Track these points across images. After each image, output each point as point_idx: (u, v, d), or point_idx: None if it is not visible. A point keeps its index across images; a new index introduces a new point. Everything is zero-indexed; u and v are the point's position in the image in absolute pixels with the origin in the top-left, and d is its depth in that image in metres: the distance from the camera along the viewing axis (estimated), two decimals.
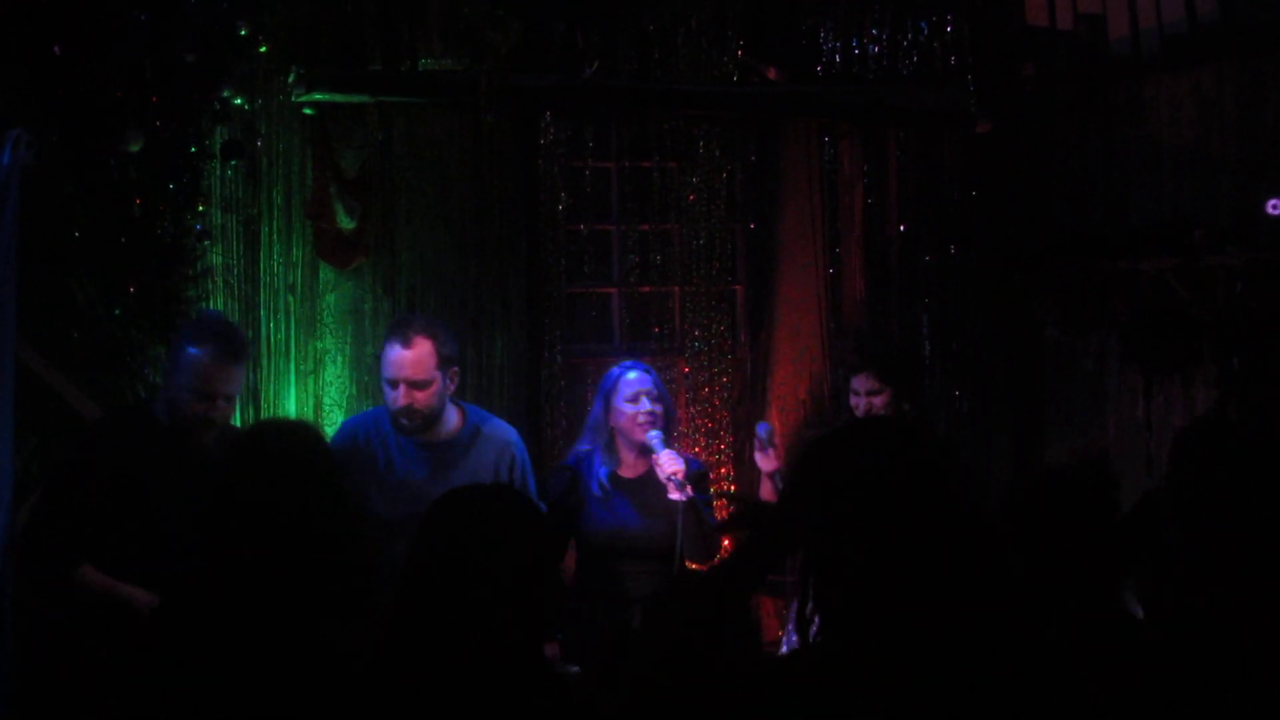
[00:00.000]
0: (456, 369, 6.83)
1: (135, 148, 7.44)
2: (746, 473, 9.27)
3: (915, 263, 9.58)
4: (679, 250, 9.23)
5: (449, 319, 8.56)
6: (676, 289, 9.26)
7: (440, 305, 8.67)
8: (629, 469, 7.07)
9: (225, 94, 7.96)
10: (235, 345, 6.26)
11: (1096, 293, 9.08)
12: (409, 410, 6.66)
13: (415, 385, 6.63)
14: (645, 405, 6.96)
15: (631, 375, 7.07)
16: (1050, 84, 9.61)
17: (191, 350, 6.09)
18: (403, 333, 6.69)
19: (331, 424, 8.37)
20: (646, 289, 9.25)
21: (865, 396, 7.31)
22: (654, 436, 6.90)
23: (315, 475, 3.99)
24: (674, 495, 6.78)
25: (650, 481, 7.02)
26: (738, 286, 9.52)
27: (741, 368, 9.42)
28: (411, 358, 6.64)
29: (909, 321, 9.52)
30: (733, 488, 9.13)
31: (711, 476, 8.07)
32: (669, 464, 6.78)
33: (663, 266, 9.24)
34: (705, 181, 9.22)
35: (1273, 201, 7.99)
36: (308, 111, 8.37)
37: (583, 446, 7.22)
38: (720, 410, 9.20)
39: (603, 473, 7.02)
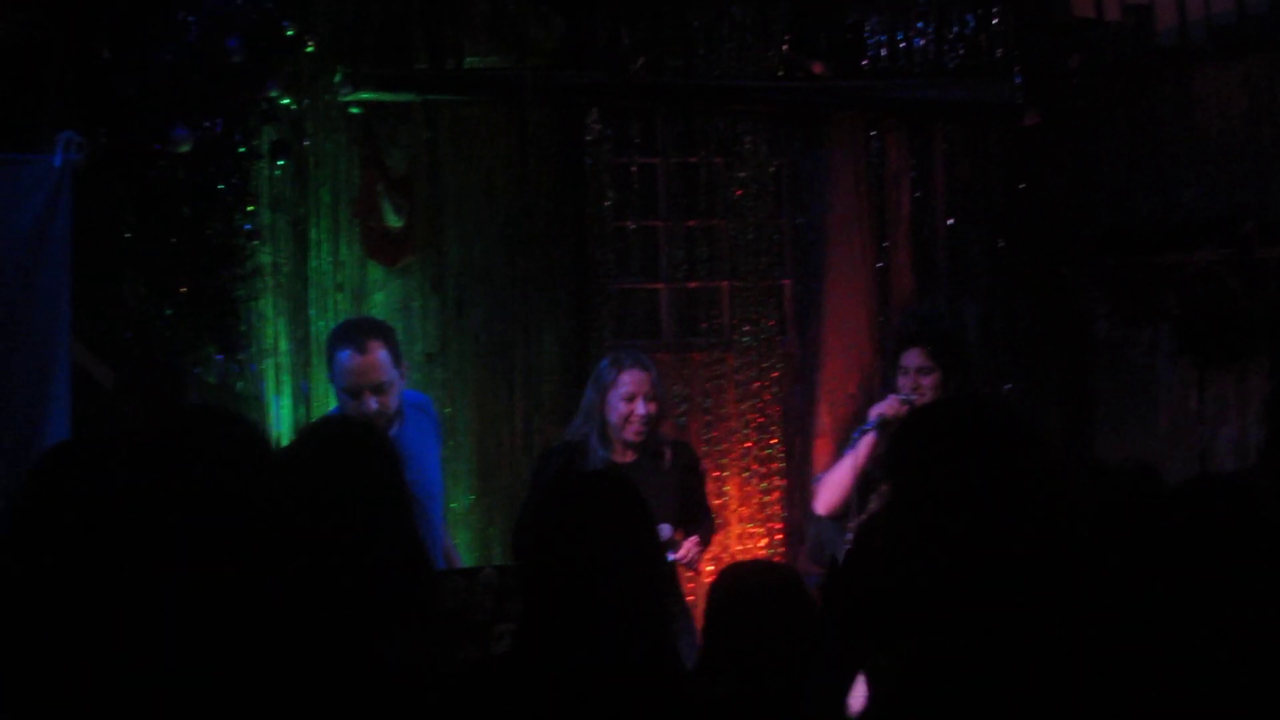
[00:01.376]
0: (407, 364, 6.72)
1: (184, 148, 7.47)
2: (796, 466, 9.25)
3: (963, 257, 9.55)
4: (727, 245, 9.21)
5: (497, 316, 8.60)
6: (725, 284, 9.24)
7: (488, 302, 8.68)
8: (620, 455, 7.02)
9: (272, 94, 7.98)
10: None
11: (1147, 286, 9.05)
12: (377, 415, 6.35)
13: (378, 389, 6.40)
14: (640, 408, 6.89)
15: (631, 374, 6.96)
16: (1098, 76, 9.57)
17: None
18: (356, 339, 6.43)
19: None
20: (694, 284, 9.23)
21: (914, 374, 7.12)
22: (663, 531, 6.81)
23: (375, 475, 3.98)
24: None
25: (644, 466, 6.96)
26: (786, 281, 9.50)
27: (790, 362, 9.39)
28: (369, 363, 6.39)
29: (957, 315, 9.48)
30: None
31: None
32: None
33: (710, 262, 9.22)
34: (752, 176, 9.20)
35: None
36: (354, 110, 8.39)
37: (576, 431, 7.13)
38: (770, 405, 9.17)
39: (600, 456, 6.97)
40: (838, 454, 7.69)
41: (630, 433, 6.88)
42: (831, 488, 7.06)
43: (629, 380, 6.90)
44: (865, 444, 6.98)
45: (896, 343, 7.21)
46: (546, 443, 8.32)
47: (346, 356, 6.35)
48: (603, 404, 6.93)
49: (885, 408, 6.95)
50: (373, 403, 6.34)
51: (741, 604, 4.04)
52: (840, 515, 7.12)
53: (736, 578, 4.25)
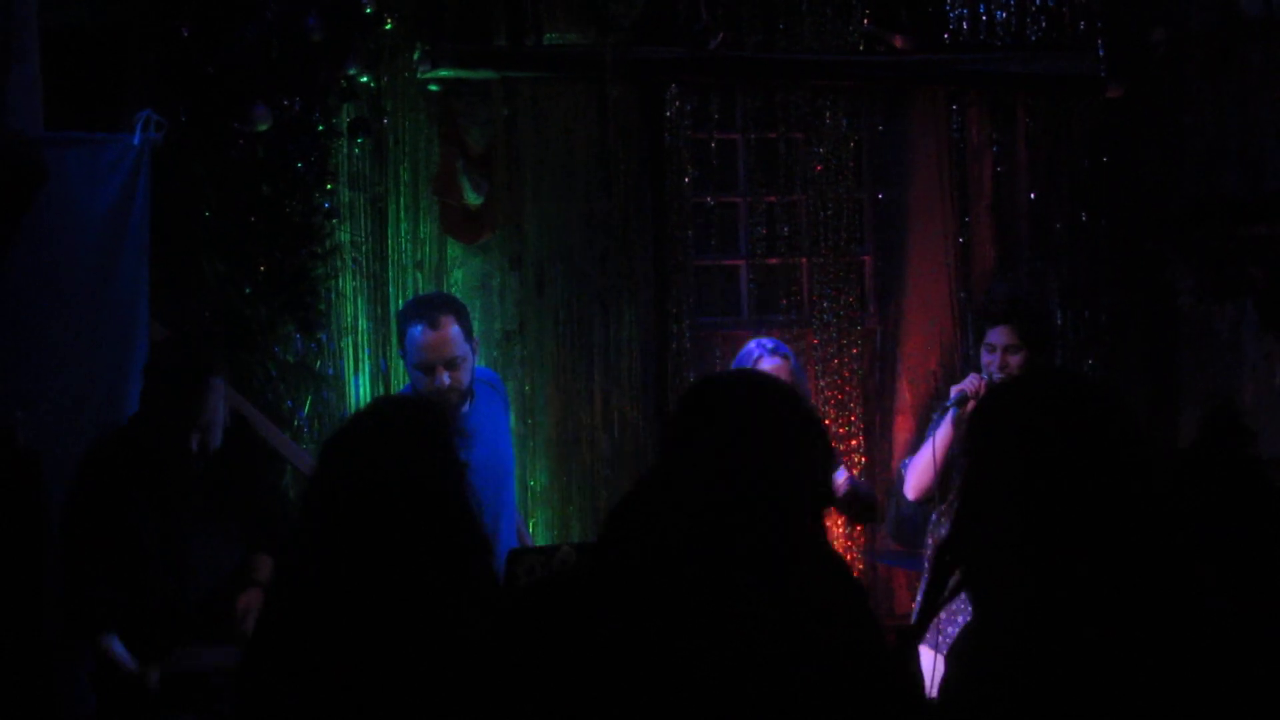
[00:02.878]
0: (477, 340, 6.66)
1: (263, 127, 7.49)
2: (876, 443, 9.22)
3: (1046, 231, 9.49)
4: (806, 221, 9.17)
5: (576, 293, 8.59)
6: (804, 260, 9.20)
7: (567, 279, 8.68)
8: None
9: (351, 72, 7.99)
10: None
11: (1232, 259, 8.96)
12: (450, 391, 6.35)
13: (450, 365, 6.35)
14: None
15: (769, 362, 6.92)
16: (1182, 47, 9.47)
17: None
18: (428, 314, 6.38)
19: None
20: (774, 260, 9.20)
21: (1001, 353, 6.97)
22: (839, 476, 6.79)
23: (438, 452, 3.97)
24: None
25: None
26: (866, 257, 9.46)
27: (871, 339, 9.36)
28: (442, 338, 6.34)
29: (1040, 290, 9.42)
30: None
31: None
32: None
33: (790, 238, 9.19)
34: (832, 152, 9.16)
35: None
36: (433, 88, 8.40)
37: None
38: (850, 382, 9.13)
39: None
40: (918, 432, 7.62)
41: None
42: (918, 472, 6.96)
43: (768, 370, 6.85)
44: (946, 423, 6.90)
45: (981, 320, 7.10)
46: (625, 420, 8.33)
47: (419, 332, 6.30)
48: None
49: (967, 385, 6.86)
50: (445, 378, 6.29)
51: None
52: (929, 498, 7.04)
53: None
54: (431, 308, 6.43)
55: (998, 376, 6.79)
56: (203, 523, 5.75)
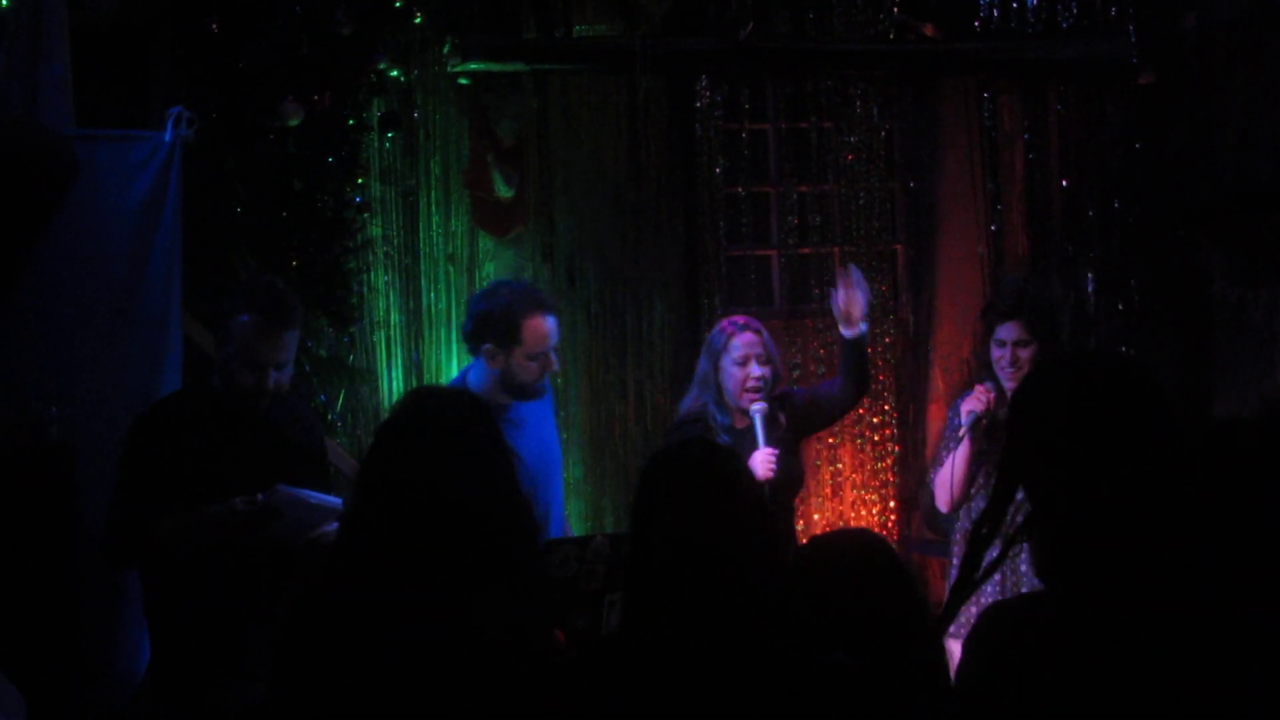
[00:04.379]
0: None
1: (294, 122, 7.51)
2: (910, 432, 9.23)
3: (1079, 218, 9.47)
4: (838, 211, 9.18)
5: (608, 285, 8.60)
6: (836, 250, 9.19)
7: (599, 271, 8.69)
8: (739, 421, 6.94)
9: (381, 66, 8.00)
10: (282, 312, 5.78)
11: (1266, 245, 8.92)
12: (551, 375, 6.66)
13: (555, 350, 6.60)
14: (755, 370, 6.80)
15: (743, 337, 6.91)
16: (1213, 33, 9.43)
17: (240, 317, 5.69)
18: (546, 302, 6.59)
19: None
20: (806, 250, 9.20)
21: (1011, 348, 6.93)
22: (757, 413, 6.75)
23: (475, 444, 3.97)
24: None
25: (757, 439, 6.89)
26: (898, 246, 9.46)
27: (903, 328, 9.35)
28: (557, 325, 6.60)
29: (1073, 277, 9.41)
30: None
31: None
32: (762, 469, 6.67)
33: (822, 227, 9.19)
34: (863, 141, 9.16)
35: None
36: (463, 81, 8.41)
37: (695, 401, 7.07)
38: (883, 371, 9.12)
39: (724, 422, 6.91)
40: (940, 439, 7.56)
41: (746, 398, 6.81)
42: (943, 488, 6.96)
43: (741, 344, 6.82)
44: (964, 446, 6.88)
45: (990, 316, 7.07)
46: (658, 411, 8.33)
47: (548, 322, 6.51)
48: (717, 371, 6.86)
49: (976, 405, 6.85)
50: (557, 362, 6.60)
51: (832, 574, 4.00)
52: (960, 504, 7.03)
53: (824, 548, 4.20)
54: (545, 298, 6.67)
55: (1009, 371, 6.77)
56: (260, 464, 5.72)
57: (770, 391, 6.80)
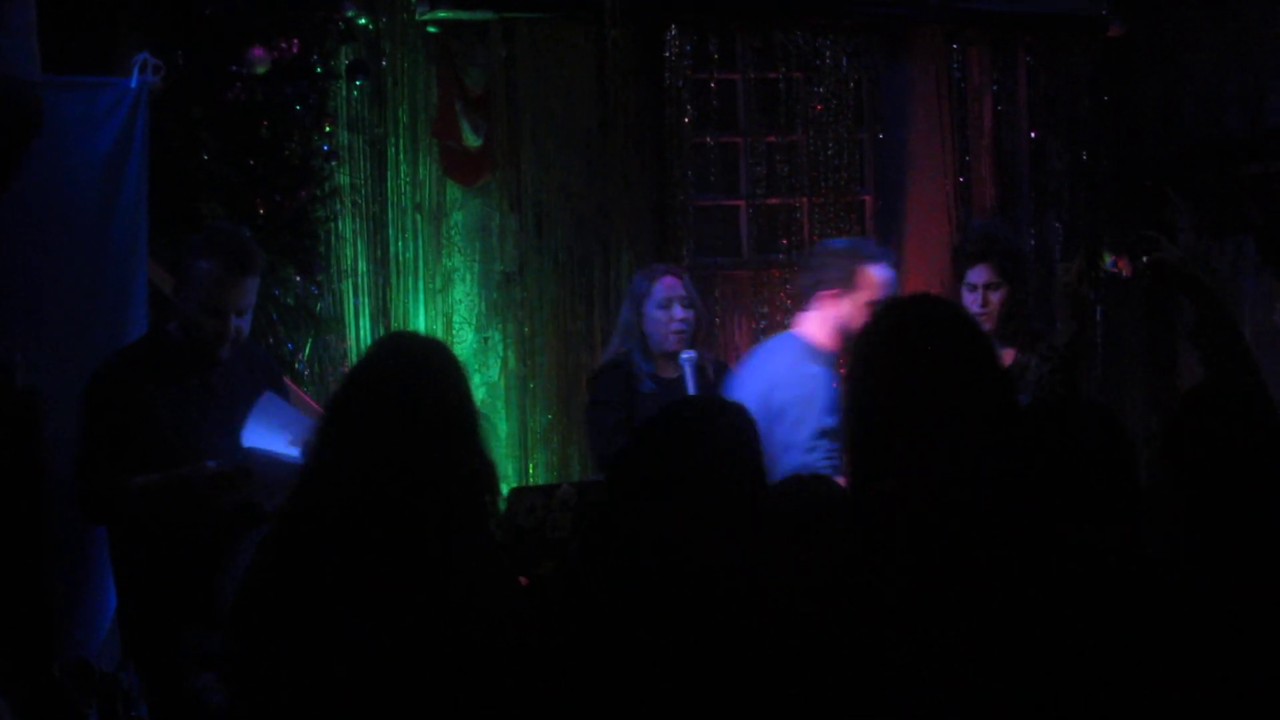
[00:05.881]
0: None
1: (261, 70, 7.48)
2: None
3: (1046, 170, 9.48)
4: (806, 161, 9.18)
5: (576, 235, 8.59)
6: (804, 200, 9.20)
7: (567, 221, 8.69)
8: (664, 370, 6.93)
9: (349, 13, 7.98)
10: (245, 257, 5.79)
11: (1231, 198, 8.95)
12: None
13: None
14: (678, 312, 6.81)
15: (664, 280, 6.92)
16: None
17: (200, 264, 5.68)
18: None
19: (461, 342, 8.43)
20: (774, 200, 9.21)
21: (982, 290, 6.91)
22: (686, 361, 6.74)
23: (440, 385, 3.97)
24: None
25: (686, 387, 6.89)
26: (866, 197, 9.46)
27: None
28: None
29: (1041, 229, 9.43)
30: None
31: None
32: None
33: (790, 178, 9.19)
34: (832, 91, 9.16)
35: None
36: (431, 29, 8.39)
37: (615, 348, 7.06)
38: None
39: (648, 369, 6.90)
40: None
41: (671, 341, 6.79)
42: None
43: (663, 287, 6.83)
44: None
45: (960, 260, 7.06)
46: None
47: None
48: (640, 318, 6.85)
49: None
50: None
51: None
52: None
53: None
54: None
55: (980, 315, 6.75)
56: (221, 409, 5.72)
57: (695, 337, 6.80)
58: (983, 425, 3.20)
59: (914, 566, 3.14)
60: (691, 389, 6.57)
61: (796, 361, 6.54)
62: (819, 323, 6.57)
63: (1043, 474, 3.47)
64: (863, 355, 3.41)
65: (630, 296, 6.97)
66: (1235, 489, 3.47)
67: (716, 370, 6.98)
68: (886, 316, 3.52)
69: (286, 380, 6.66)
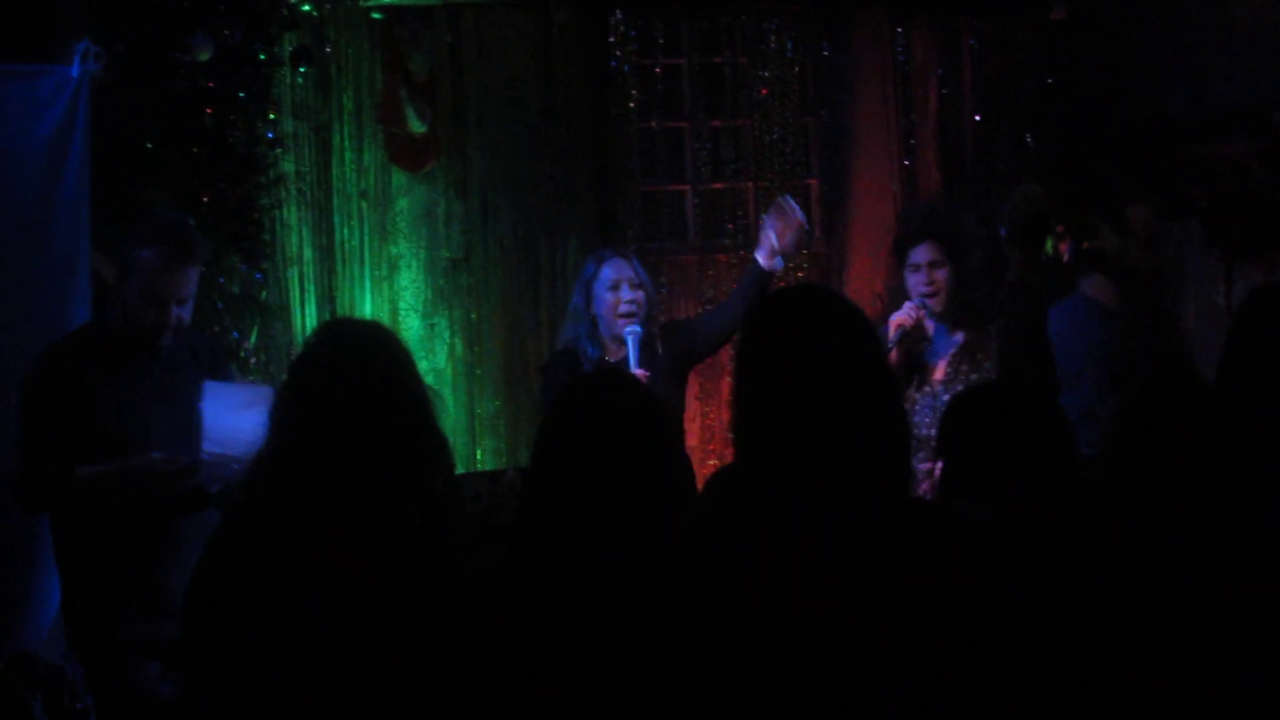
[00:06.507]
0: None
1: (204, 57, 7.45)
2: None
3: (991, 153, 9.51)
4: (752, 145, 9.20)
5: (522, 220, 8.60)
6: (750, 184, 9.23)
7: (513, 206, 8.69)
8: (612, 354, 6.94)
9: (292, 0, 7.94)
10: (187, 246, 5.74)
11: (1176, 179, 8.98)
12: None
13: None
14: (626, 293, 6.82)
15: (612, 262, 6.94)
16: None
17: (142, 253, 5.64)
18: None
19: (407, 328, 8.43)
20: (720, 185, 9.23)
21: (926, 269, 6.89)
22: (631, 335, 6.77)
23: (390, 368, 3.97)
24: None
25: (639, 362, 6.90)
26: (812, 181, 9.48)
27: (817, 262, 9.38)
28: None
29: (986, 211, 9.44)
30: None
31: None
32: None
33: (736, 162, 9.22)
34: (777, 76, 9.18)
35: None
36: (376, 15, 8.38)
37: (567, 335, 7.08)
38: None
39: (594, 355, 6.91)
40: None
41: (620, 324, 6.79)
42: None
43: (610, 269, 6.85)
44: (891, 359, 6.85)
45: (902, 242, 7.06)
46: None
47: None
48: (588, 302, 6.86)
49: (903, 317, 6.83)
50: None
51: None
52: None
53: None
54: None
55: (926, 293, 6.75)
56: (163, 398, 5.71)
57: (644, 317, 6.81)
58: (855, 414, 3.23)
59: (756, 548, 3.22)
60: (633, 362, 6.59)
61: None
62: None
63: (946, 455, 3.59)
64: (741, 343, 3.44)
65: (579, 281, 6.98)
66: (1172, 470, 3.53)
67: (666, 334, 7.00)
68: (767, 308, 3.57)
69: (232, 369, 6.65)
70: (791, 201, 6.85)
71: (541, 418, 3.73)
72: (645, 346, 6.70)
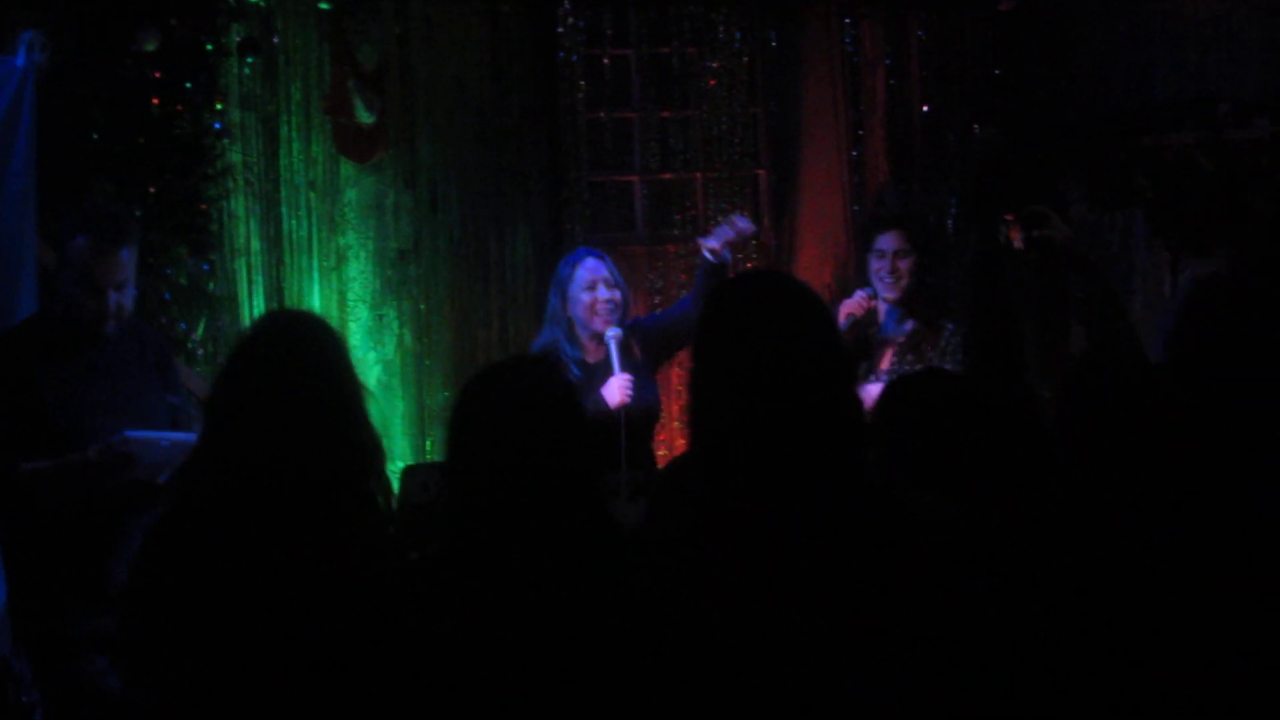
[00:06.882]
0: None
1: (151, 47, 7.43)
2: None
3: (939, 144, 9.52)
4: (700, 136, 9.20)
5: (470, 211, 8.59)
6: (699, 175, 9.23)
7: (461, 197, 8.68)
8: (591, 355, 6.96)
9: None
10: (116, 229, 5.72)
11: (1121, 169, 9.02)
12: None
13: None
14: (603, 293, 6.85)
15: (586, 263, 6.96)
16: None
17: (76, 241, 5.63)
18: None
19: (356, 319, 8.41)
20: (668, 176, 9.23)
21: (891, 258, 6.94)
22: (612, 338, 6.78)
23: (325, 361, 3.97)
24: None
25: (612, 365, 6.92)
26: (760, 171, 9.48)
27: (765, 253, 9.38)
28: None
29: (934, 202, 9.47)
30: None
31: None
32: (618, 394, 6.70)
33: (684, 153, 9.21)
34: (725, 66, 9.17)
35: None
36: (324, 6, 8.36)
37: (545, 338, 7.09)
38: None
39: (574, 356, 6.92)
40: None
41: (598, 323, 6.82)
42: None
43: (586, 269, 6.88)
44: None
45: (870, 227, 7.10)
46: (521, 337, 8.35)
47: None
48: (565, 302, 6.90)
49: (854, 305, 6.88)
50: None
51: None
52: None
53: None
54: None
55: (888, 282, 6.80)
56: (110, 387, 5.70)
57: (621, 316, 6.84)
58: (811, 401, 3.24)
59: (710, 530, 3.29)
60: (617, 366, 6.65)
61: None
62: None
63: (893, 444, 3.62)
64: (698, 331, 3.50)
65: (555, 283, 7.02)
66: (1122, 455, 3.53)
67: (640, 333, 7.01)
68: (723, 295, 3.61)
69: (178, 361, 6.63)
70: (741, 221, 6.94)
71: (450, 409, 3.75)
72: (624, 348, 6.75)
